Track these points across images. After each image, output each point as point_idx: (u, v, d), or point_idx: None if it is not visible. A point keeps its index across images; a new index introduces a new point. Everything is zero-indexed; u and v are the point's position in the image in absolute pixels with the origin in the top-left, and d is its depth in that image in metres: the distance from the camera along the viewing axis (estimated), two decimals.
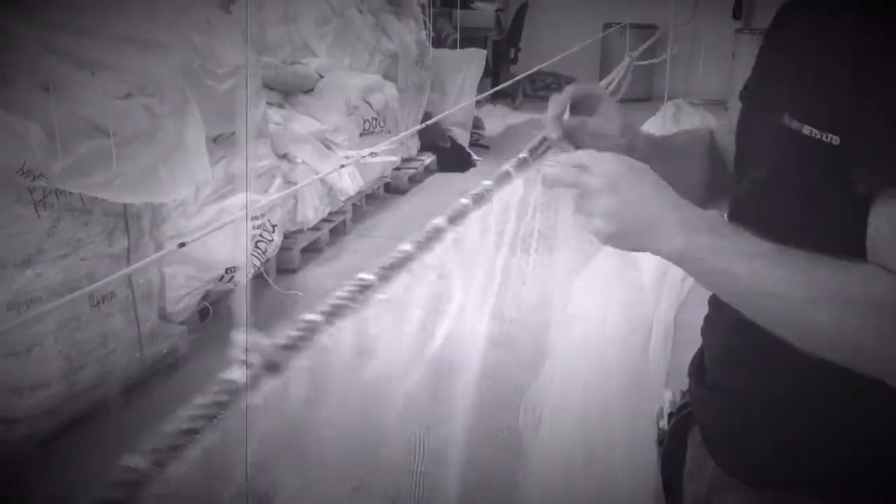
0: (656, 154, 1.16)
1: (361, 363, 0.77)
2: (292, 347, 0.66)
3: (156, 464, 0.52)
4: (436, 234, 0.90)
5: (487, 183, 1.02)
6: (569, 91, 1.15)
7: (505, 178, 1.06)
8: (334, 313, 0.72)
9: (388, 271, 0.81)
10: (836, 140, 0.89)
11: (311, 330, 0.69)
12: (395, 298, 0.82)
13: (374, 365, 0.79)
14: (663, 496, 1.32)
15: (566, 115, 1.14)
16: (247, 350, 0.62)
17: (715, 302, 1.15)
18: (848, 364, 0.82)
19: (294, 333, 0.67)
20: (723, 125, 1.24)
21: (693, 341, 1.49)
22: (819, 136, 0.90)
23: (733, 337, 1.08)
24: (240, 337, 0.61)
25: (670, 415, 1.29)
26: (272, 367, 0.63)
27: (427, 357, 0.91)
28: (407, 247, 0.85)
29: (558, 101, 1.14)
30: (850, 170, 0.87)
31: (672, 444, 1.27)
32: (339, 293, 0.74)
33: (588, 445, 1.35)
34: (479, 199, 1.00)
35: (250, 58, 3.65)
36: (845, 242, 0.86)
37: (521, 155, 1.11)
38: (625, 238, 0.92)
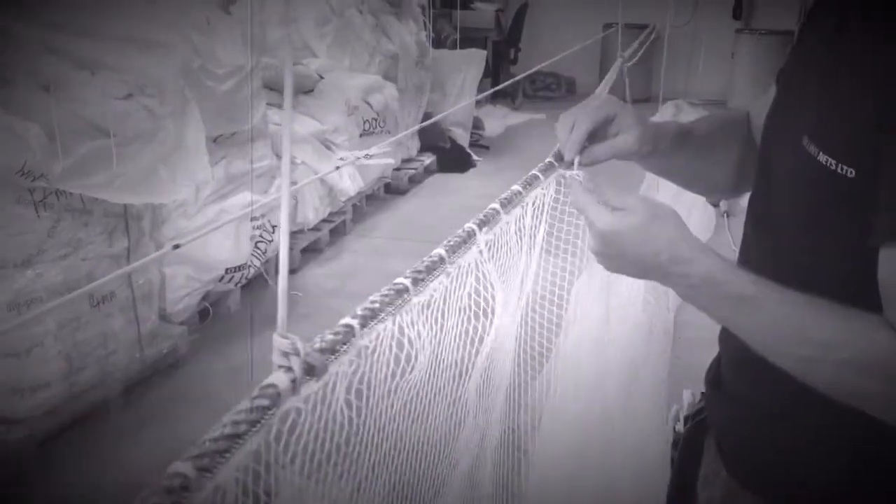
0: (683, 149, 1.13)
1: (407, 368, 0.78)
2: (332, 351, 0.67)
3: (202, 470, 0.52)
4: (469, 238, 0.90)
5: (516, 187, 1.03)
6: (581, 128, 1.06)
7: (535, 180, 1.07)
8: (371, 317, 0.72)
9: (425, 274, 0.81)
10: (851, 173, 0.83)
11: (349, 333, 0.69)
12: (436, 303, 0.82)
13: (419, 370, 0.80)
14: (665, 499, 1.31)
15: (577, 162, 1.07)
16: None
17: None
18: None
19: (332, 337, 0.68)
20: (760, 105, 1.16)
21: (693, 341, 1.49)
22: (834, 166, 0.84)
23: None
24: (280, 341, 0.61)
25: (686, 417, 1.27)
26: (312, 371, 0.63)
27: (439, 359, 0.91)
28: (441, 251, 0.85)
29: (572, 142, 1.06)
30: (863, 206, 0.81)
31: (687, 448, 1.24)
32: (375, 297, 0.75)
33: (588, 446, 1.35)
34: (509, 202, 1.00)
35: (254, 57, 3.65)
36: (855, 280, 0.83)
37: (548, 160, 1.11)
38: (615, 270, 0.97)
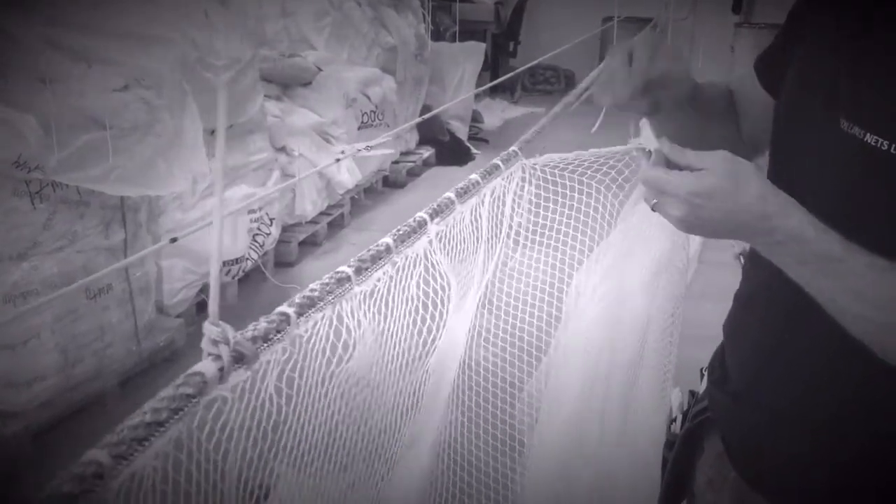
0: (692, 105, 1.09)
1: (344, 357, 0.76)
2: (264, 339, 0.65)
3: (118, 457, 0.51)
4: (419, 227, 0.88)
5: (474, 177, 1.00)
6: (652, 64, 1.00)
7: (495, 170, 1.04)
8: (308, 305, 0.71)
9: (369, 264, 0.79)
10: None
11: (285, 321, 0.68)
12: (380, 292, 0.81)
13: (360, 359, 0.78)
14: (661, 498, 1.28)
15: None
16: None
17: (743, 299, 1.06)
18: None
19: (265, 325, 0.66)
20: (739, 88, 1.14)
21: (691, 338, 1.48)
22: (886, 146, 0.79)
23: (765, 340, 0.99)
24: (210, 328, 0.60)
25: (684, 415, 1.23)
26: (242, 360, 0.62)
27: (418, 353, 0.90)
28: (388, 240, 0.83)
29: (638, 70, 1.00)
30: None
31: (684, 449, 1.20)
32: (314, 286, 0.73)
33: (585, 443, 1.35)
34: (465, 191, 0.98)
35: (248, 51, 3.63)
36: None
37: (513, 148, 1.10)
38: (702, 234, 0.91)
